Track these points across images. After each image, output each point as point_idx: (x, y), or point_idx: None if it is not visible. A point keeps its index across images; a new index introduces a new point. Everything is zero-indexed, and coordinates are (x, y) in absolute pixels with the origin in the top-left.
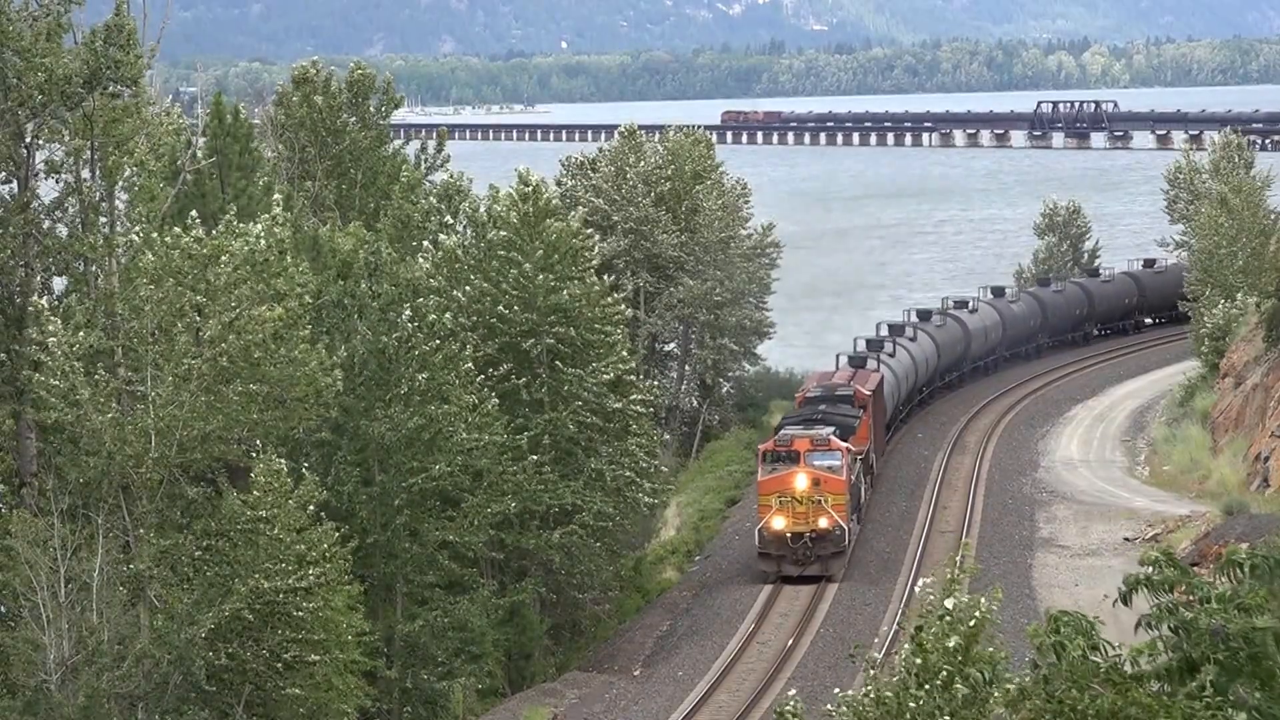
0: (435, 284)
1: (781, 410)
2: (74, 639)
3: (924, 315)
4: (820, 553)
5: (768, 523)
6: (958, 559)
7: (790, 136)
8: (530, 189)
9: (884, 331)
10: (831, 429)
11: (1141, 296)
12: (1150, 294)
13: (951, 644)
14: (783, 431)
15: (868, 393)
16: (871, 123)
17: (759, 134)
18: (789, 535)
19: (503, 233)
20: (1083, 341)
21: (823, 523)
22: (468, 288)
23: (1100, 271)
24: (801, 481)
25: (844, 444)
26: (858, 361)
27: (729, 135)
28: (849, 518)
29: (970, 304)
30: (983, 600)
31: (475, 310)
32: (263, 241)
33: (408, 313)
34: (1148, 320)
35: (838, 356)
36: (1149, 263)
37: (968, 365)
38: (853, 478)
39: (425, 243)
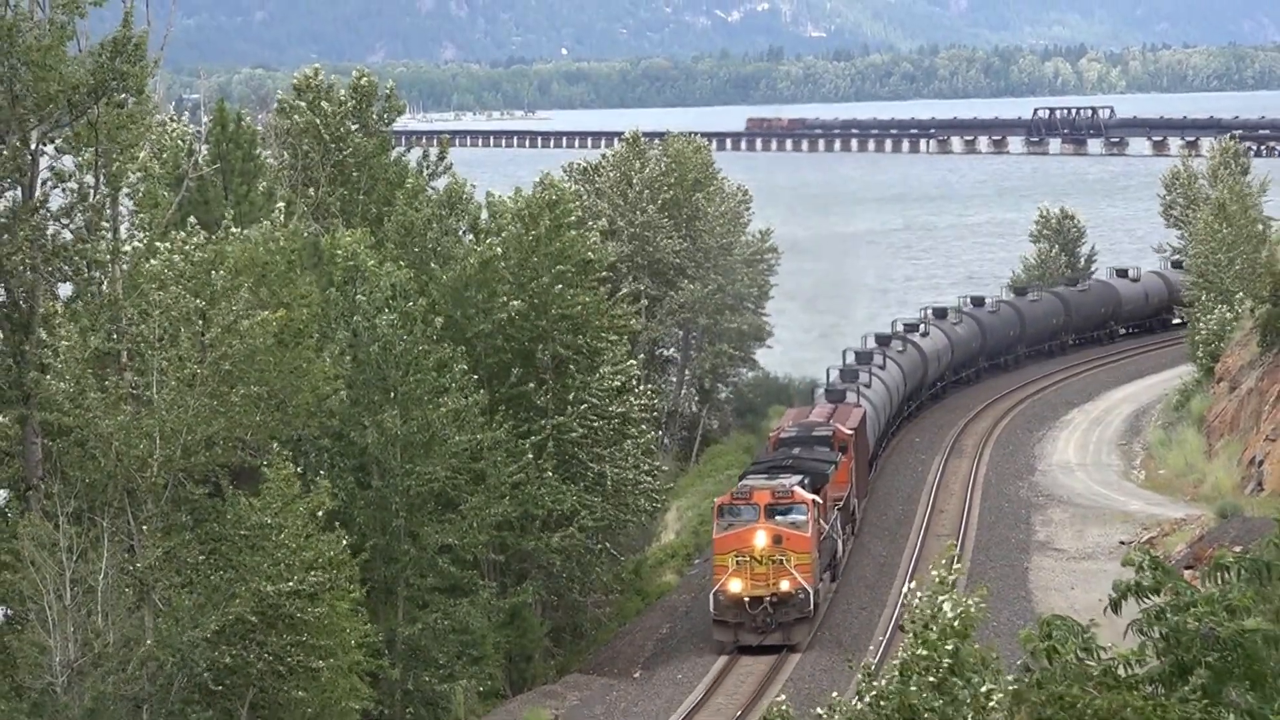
0: (470, 294)
1: (781, 415)
2: (80, 641)
3: (883, 340)
4: (782, 619)
5: (724, 585)
6: (944, 561)
7: (818, 143)
8: (556, 201)
9: (850, 359)
10: (799, 478)
11: (1067, 316)
12: (1075, 314)
13: (950, 646)
14: (743, 482)
15: (849, 431)
16: (897, 129)
17: (785, 140)
18: (747, 599)
19: (510, 233)
20: (1014, 365)
21: (785, 585)
22: (508, 301)
23: (1029, 291)
24: (761, 539)
25: (811, 495)
26: (835, 395)
27: (755, 142)
28: (816, 578)
29: (920, 328)
30: (970, 600)
31: (493, 325)
32: (261, 248)
33: (391, 317)
34: (1071, 340)
35: (813, 391)
36: (1071, 281)
37: (925, 393)
38: (822, 533)
39: (463, 250)
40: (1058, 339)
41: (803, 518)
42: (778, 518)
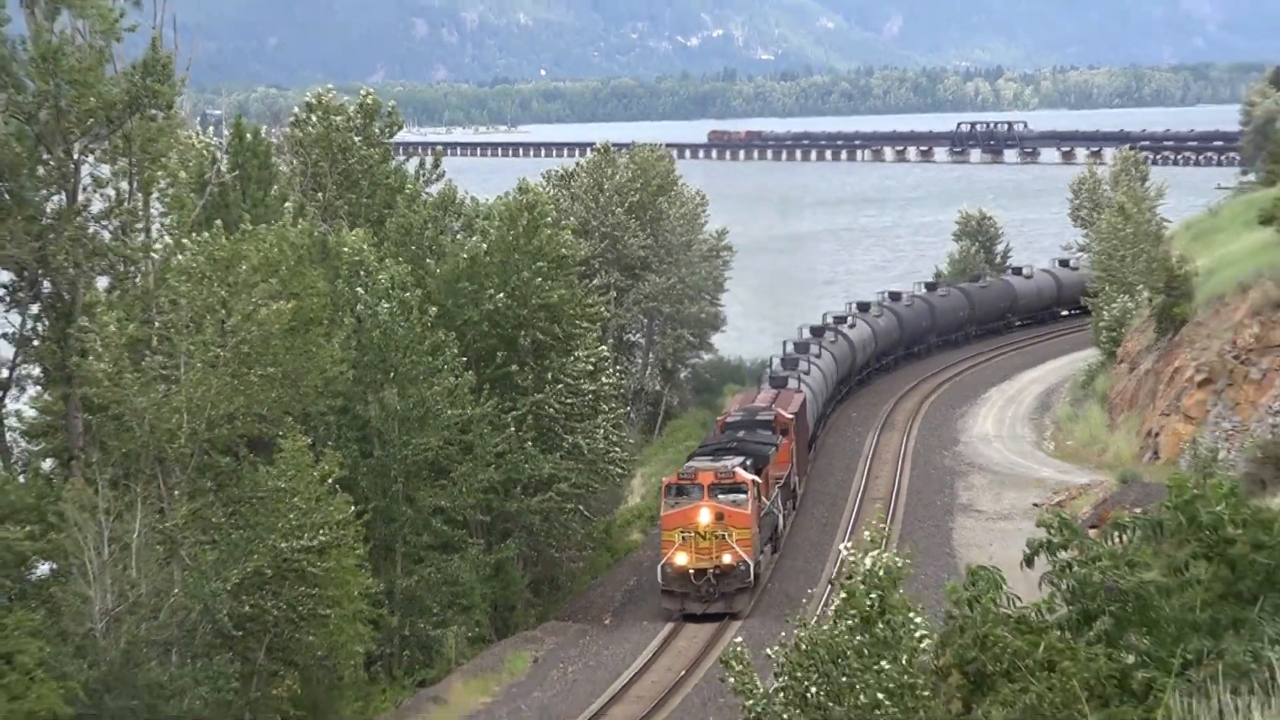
0: (463, 285)
1: (734, 393)
2: (116, 592)
3: (817, 331)
4: (724, 589)
5: (670, 559)
6: (874, 522)
7: (768, 153)
8: (533, 204)
9: (790, 349)
10: (740, 459)
11: (971, 310)
12: (979, 307)
13: (873, 595)
14: (688, 464)
15: (790, 415)
16: (842, 140)
17: (740, 151)
18: (692, 572)
19: (494, 234)
20: (927, 353)
21: (727, 558)
22: (492, 291)
23: (938, 287)
24: (704, 516)
25: (751, 476)
26: (779, 382)
27: (714, 152)
28: (757, 551)
29: (848, 320)
30: (893, 555)
31: (480, 314)
32: (275, 249)
33: (391, 306)
34: (974, 330)
35: (760, 376)
36: (974, 278)
37: (854, 379)
38: (763, 509)
39: (455, 247)
40: (963, 330)
41: (743, 496)
42: (720, 497)
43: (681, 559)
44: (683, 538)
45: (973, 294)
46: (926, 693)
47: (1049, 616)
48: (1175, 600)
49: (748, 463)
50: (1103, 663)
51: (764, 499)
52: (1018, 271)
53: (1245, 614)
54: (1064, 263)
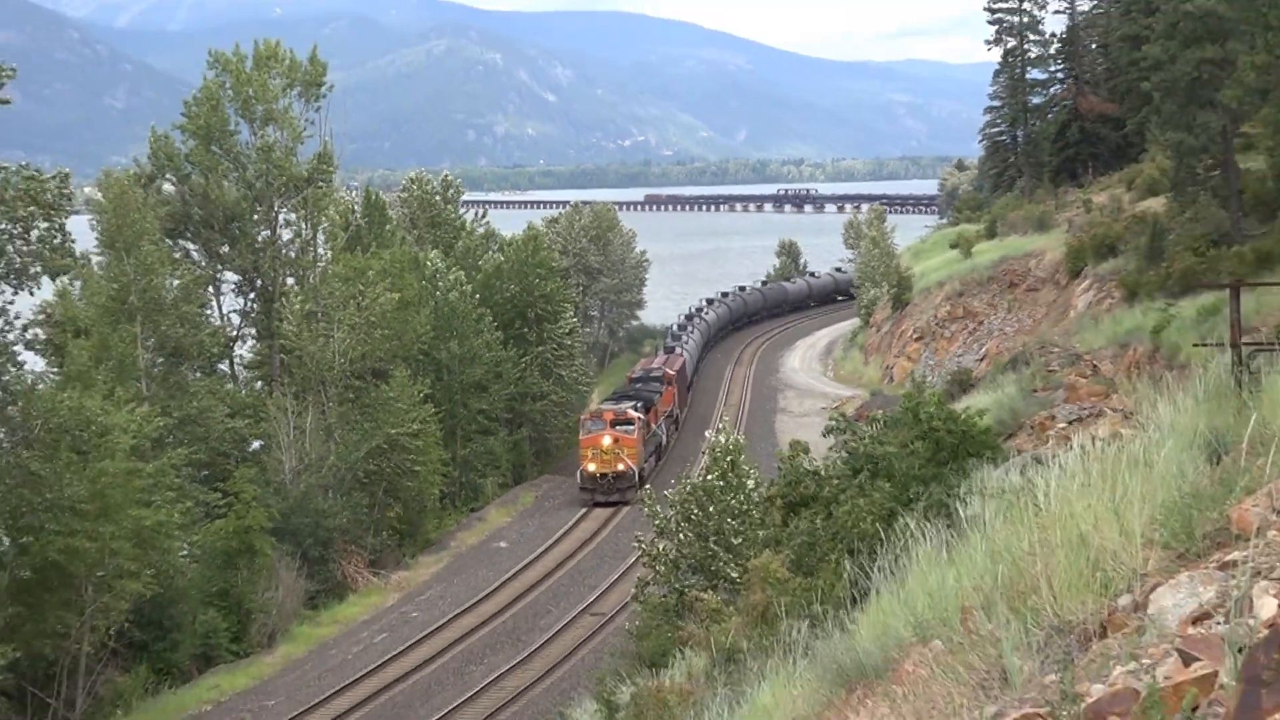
0: (493, 282)
1: (652, 346)
2: (297, 457)
3: (690, 316)
4: (619, 486)
5: (585, 467)
6: (726, 420)
7: (674, 208)
8: (535, 236)
9: (675, 329)
10: (634, 403)
11: (764, 302)
12: (768, 301)
13: (729, 458)
14: (598, 406)
15: (673, 372)
16: (723, 200)
17: (666, 206)
18: (598, 475)
19: (513, 254)
20: (745, 327)
21: (621, 467)
22: (511, 285)
23: (745, 289)
24: (606, 440)
25: (639, 414)
26: (669, 349)
27: (644, 207)
28: (641, 463)
29: (703, 309)
30: (740, 438)
31: (504, 298)
32: (389, 263)
33: (454, 294)
34: (765, 314)
35: (656, 347)
36: (764, 283)
37: (711, 345)
38: (649, 434)
39: (480, 262)
40: (760, 314)
41: (632, 427)
42: (617, 427)
43: (592, 467)
44: (592, 453)
45: (764, 292)
46: (755, 515)
47: (833, 471)
48: (904, 463)
49: (639, 405)
50: (864, 499)
51: (652, 427)
52: (788, 279)
53: (942, 471)
54: (813, 274)
